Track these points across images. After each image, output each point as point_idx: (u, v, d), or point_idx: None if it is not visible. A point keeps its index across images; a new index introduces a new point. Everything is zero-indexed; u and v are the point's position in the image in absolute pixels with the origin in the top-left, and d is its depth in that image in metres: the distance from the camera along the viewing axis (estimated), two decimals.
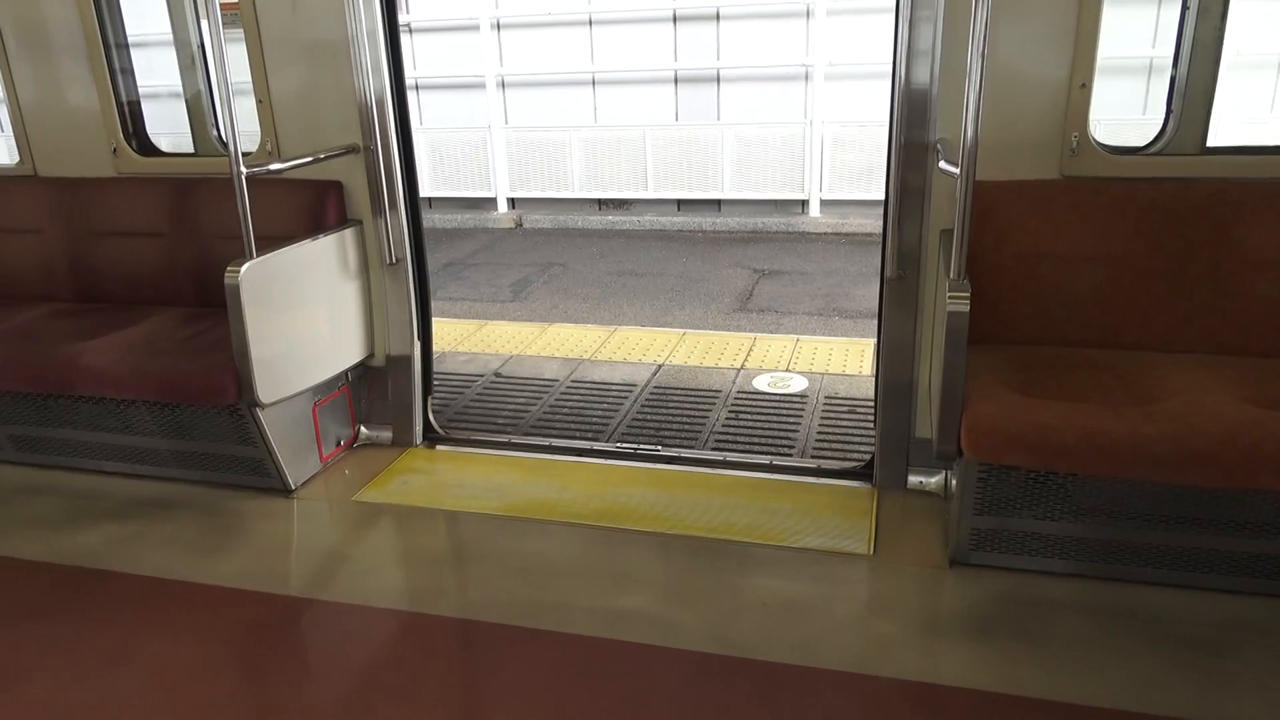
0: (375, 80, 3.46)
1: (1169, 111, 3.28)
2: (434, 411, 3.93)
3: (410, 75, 3.27)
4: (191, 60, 4.18)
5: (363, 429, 3.88)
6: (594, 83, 11.21)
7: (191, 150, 4.24)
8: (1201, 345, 2.89)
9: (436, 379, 4.10)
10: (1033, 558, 2.79)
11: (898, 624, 2.65)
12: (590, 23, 10.96)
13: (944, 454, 2.58)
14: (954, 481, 2.93)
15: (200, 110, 4.19)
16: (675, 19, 10.72)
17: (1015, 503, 2.72)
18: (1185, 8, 3.21)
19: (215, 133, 4.20)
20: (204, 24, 4.02)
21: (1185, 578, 2.69)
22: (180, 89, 4.21)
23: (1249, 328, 2.86)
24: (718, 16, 10.60)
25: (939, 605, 2.75)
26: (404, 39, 3.60)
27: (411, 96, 3.46)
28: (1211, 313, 2.88)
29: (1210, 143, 3.26)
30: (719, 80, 10.86)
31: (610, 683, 2.45)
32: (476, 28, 11.24)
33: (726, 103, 10.89)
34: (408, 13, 11.26)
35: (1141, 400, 2.54)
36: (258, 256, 3.09)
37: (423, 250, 3.77)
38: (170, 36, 4.17)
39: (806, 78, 10.50)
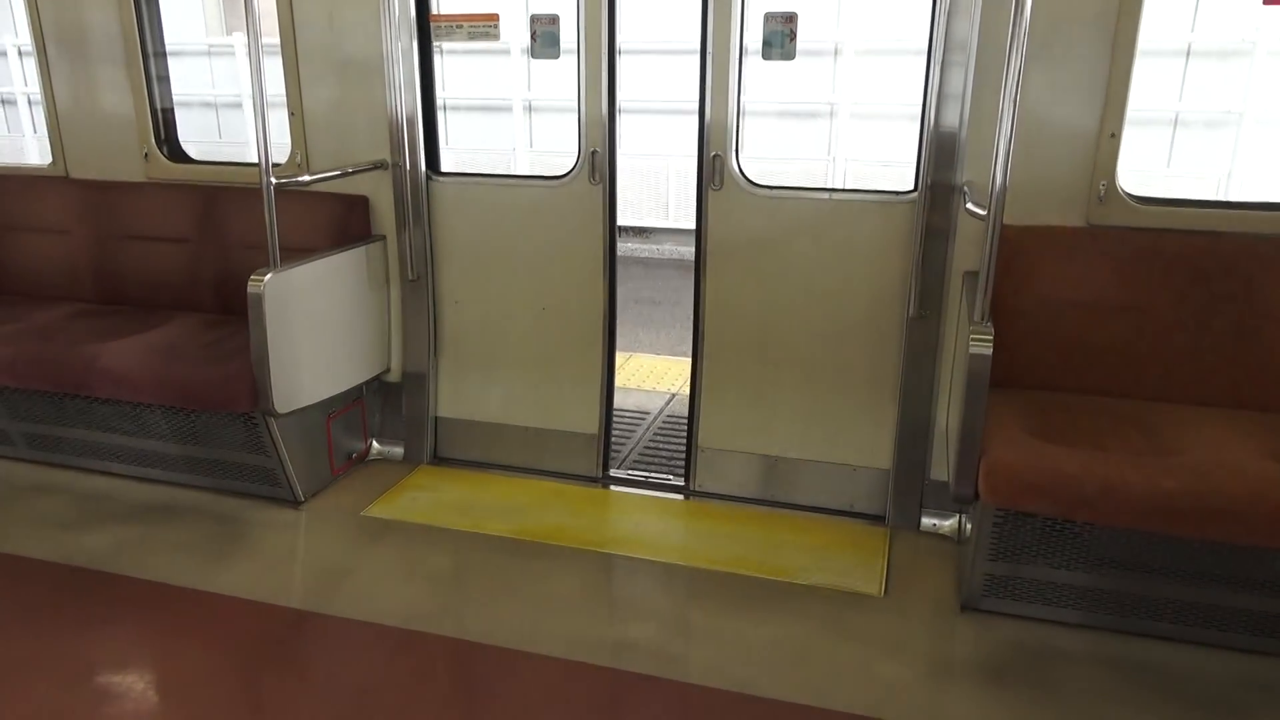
0: (406, 98, 3.50)
1: None
2: None
3: (440, 96, 3.33)
4: None
5: (375, 444, 3.88)
6: (619, 111, 11.30)
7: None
8: (1223, 399, 2.86)
9: None
10: (1046, 606, 2.75)
11: (906, 667, 2.61)
12: (618, 53, 11.07)
13: (960, 497, 2.55)
14: (969, 525, 2.90)
15: None
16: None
17: (1030, 550, 2.68)
18: None
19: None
20: (244, 36, 4.07)
21: (1200, 634, 2.65)
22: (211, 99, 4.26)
23: (1272, 384, 2.83)
24: (743, 51, 10.68)
25: (949, 650, 2.72)
26: (435, 60, 3.64)
27: (440, 116, 3.52)
28: (1235, 367, 2.85)
29: (1238, 197, 3.25)
30: (741, 114, 10.92)
31: (611, 712, 2.42)
32: (508, 52, 11.37)
33: (749, 137, 10.94)
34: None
35: (1162, 452, 2.51)
36: (282, 267, 3.11)
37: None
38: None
39: (831, 115, 10.54)
